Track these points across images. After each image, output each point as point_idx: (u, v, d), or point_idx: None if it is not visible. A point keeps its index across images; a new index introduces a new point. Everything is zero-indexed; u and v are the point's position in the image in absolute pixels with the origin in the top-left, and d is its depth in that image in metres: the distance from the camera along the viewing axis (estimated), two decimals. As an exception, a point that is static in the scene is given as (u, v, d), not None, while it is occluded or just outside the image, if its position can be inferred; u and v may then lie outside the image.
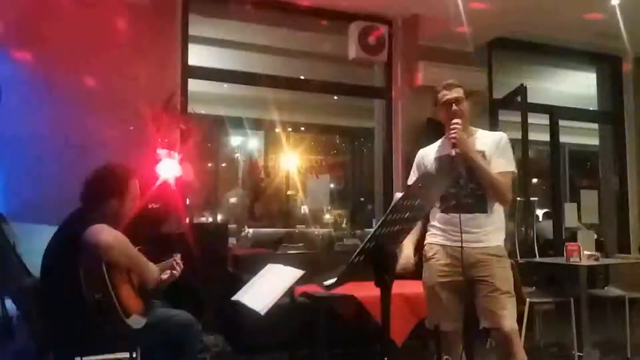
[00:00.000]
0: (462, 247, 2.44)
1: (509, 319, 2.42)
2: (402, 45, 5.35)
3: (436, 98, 2.64)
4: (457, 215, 2.46)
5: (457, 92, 2.57)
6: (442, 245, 2.58)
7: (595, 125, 7.07)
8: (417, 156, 2.81)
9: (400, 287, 3.54)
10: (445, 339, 2.59)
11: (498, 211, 2.56)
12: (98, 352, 2.40)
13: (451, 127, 2.48)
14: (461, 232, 2.42)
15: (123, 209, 2.41)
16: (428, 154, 2.73)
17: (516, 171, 2.58)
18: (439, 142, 2.73)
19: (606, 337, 4.29)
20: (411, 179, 2.75)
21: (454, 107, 2.54)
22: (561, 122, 6.17)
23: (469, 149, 2.46)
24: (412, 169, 2.82)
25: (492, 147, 2.55)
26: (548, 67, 6.81)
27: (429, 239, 2.67)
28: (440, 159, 2.64)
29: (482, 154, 2.52)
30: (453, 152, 2.45)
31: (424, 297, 3.19)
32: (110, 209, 2.36)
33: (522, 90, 5.38)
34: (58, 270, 2.24)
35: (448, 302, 2.55)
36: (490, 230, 2.53)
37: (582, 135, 8.85)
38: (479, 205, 2.52)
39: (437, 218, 2.62)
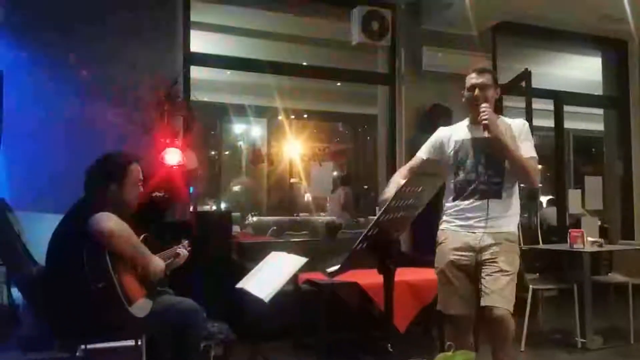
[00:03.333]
0: (484, 232, 2.49)
1: (504, 301, 2.41)
2: (405, 30, 5.30)
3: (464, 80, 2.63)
4: (473, 201, 2.51)
5: (484, 78, 2.56)
6: (454, 231, 2.59)
7: (600, 111, 7.02)
8: (438, 134, 2.72)
9: (403, 274, 3.57)
10: (455, 324, 2.56)
11: (513, 198, 2.58)
12: (103, 340, 2.43)
13: (481, 110, 2.46)
14: (487, 218, 2.48)
15: (123, 194, 2.40)
16: (453, 135, 2.66)
17: (537, 157, 2.58)
18: (463, 125, 2.67)
19: (609, 324, 4.30)
20: (421, 152, 2.73)
21: (477, 92, 2.54)
22: (566, 108, 6.12)
23: (500, 132, 2.45)
24: (427, 145, 2.74)
25: (517, 134, 2.56)
26: (553, 51, 6.74)
27: (441, 225, 2.69)
28: (459, 143, 2.61)
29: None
30: (486, 134, 2.44)
31: (428, 284, 3.23)
32: (110, 194, 2.36)
33: (526, 75, 5.33)
34: (63, 258, 2.25)
35: (459, 285, 2.54)
36: (504, 216, 2.54)
37: (587, 121, 8.80)
38: (495, 191, 2.53)
39: (451, 205, 2.62)
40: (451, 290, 2.55)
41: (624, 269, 4.46)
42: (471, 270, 2.53)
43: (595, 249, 4.08)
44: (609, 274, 4.64)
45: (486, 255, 2.49)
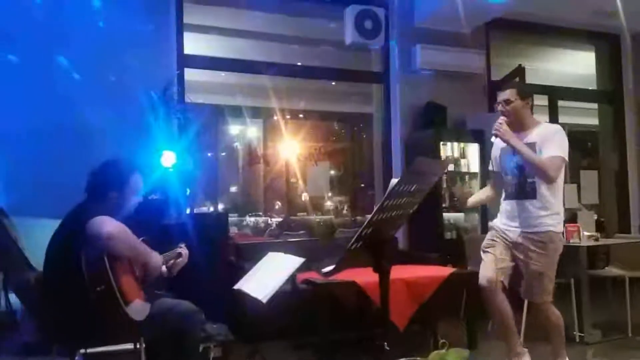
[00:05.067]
0: (520, 231, 2.92)
1: (537, 295, 2.93)
2: (398, 28, 5.31)
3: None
4: (512, 201, 2.96)
5: (505, 95, 2.95)
6: (498, 227, 3.05)
7: (594, 105, 7.04)
8: (494, 144, 3.16)
9: (401, 272, 3.58)
10: (486, 293, 2.93)
11: (551, 199, 2.87)
12: (102, 344, 2.43)
13: (496, 122, 2.91)
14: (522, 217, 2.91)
15: (124, 201, 2.42)
16: (497, 145, 3.12)
17: (565, 155, 2.87)
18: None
19: (607, 317, 4.32)
20: (490, 165, 3.24)
21: (500, 107, 2.96)
22: (560, 103, 6.14)
23: (509, 138, 2.87)
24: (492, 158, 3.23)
25: (544, 138, 2.88)
26: (546, 47, 6.76)
27: (496, 220, 3.12)
28: (502, 151, 3.07)
29: (533, 144, 2.87)
30: (495, 140, 2.99)
31: (425, 281, 3.44)
32: (111, 201, 2.37)
33: (520, 71, 5.36)
34: (61, 262, 2.25)
35: (496, 255, 2.96)
36: (539, 216, 2.87)
37: (581, 116, 8.81)
38: (528, 192, 2.89)
39: (503, 205, 3.06)
40: (487, 258, 2.99)
41: (620, 263, 4.48)
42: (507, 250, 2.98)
43: (592, 243, 4.09)
44: (606, 267, 4.66)
45: (518, 255, 2.93)
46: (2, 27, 3.87)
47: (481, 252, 3.06)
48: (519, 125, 2.94)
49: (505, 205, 3.03)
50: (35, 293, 2.34)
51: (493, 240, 3.02)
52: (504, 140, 2.90)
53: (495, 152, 3.14)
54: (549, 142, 2.86)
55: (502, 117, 2.93)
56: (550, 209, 2.87)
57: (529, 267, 2.89)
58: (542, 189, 2.86)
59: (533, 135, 2.92)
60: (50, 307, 2.26)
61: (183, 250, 2.69)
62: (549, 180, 2.84)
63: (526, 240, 2.89)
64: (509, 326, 2.99)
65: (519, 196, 2.93)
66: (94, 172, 2.42)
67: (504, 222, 3.02)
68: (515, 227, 2.93)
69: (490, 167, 3.24)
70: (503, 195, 3.06)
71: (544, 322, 2.99)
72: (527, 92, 3.03)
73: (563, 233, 3.28)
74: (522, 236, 2.90)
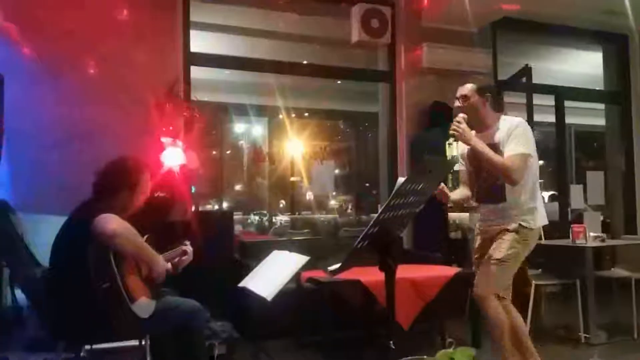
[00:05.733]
0: (479, 234, 2.86)
1: (482, 285, 2.74)
2: (405, 27, 5.30)
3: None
4: (482, 204, 2.86)
5: (463, 90, 2.81)
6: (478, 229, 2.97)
7: (601, 106, 7.00)
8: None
9: (406, 272, 3.57)
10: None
11: (520, 198, 2.73)
12: (107, 340, 2.44)
13: (454, 121, 2.73)
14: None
15: (133, 201, 2.44)
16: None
17: (528, 153, 2.71)
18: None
19: (613, 319, 4.29)
20: (459, 164, 3.04)
21: (457, 103, 2.82)
22: (567, 103, 6.11)
23: (468, 139, 2.70)
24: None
25: (506, 136, 2.74)
26: (553, 47, 6.72)
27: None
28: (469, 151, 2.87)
29: (497, 145, 2.72)
30: (450, 141, 2.71)
31: (430, 281, 3.45)
32: (120, 201, 2.39)
33: (527, 71, 5.32)
34: (67, 259, 2.26)
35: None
36: (511, 215, 2.74)
37: (588, 116, 8.77)
38: (497, 195, 2.76)
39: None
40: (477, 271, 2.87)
41: (627, 264, 4.45)
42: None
43: (598, 244, 4.07)
44: (612, 269, 4.64)
45: (490, 245, 2.78)
46: (11, 26, 3.89)
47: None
48: (480, 123, 2.80)
49: (480, 209, 2.93)
50: (41, 289, 2.35)
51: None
52: (464, 141, 2.72)
53: (462, 149, 2.90)
54: (509, 139, 2.71)
55: (460, 115, 2.75)
56: (522, 207, 2.73)
57: (489, 254, 2.74)
58: (511, 190, 2.72)
59: (496, 134, 2.77)
60: (56, 303, 2.27)
61: (188, 248, 2.69)
62: (513, 183, 2.68)
63: (498, 231, 2.75)
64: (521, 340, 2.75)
65: (487, 199, 2.82)
66: (103, 170, 2.43)
67: (479, 224, 2.93)
68: (490, 225, 2.82)
69: (459, 167, 3.01)
70: (475, 197, 2.92)
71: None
72: (486, 88, 2.88)
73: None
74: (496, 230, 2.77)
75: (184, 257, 2.65)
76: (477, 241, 2.95)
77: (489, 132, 2.79)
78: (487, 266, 2.74)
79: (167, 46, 4.41)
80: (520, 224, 2.72)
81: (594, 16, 5.65)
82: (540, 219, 2.80)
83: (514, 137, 2.70)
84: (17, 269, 2.72)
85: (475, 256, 2.94)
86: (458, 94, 2.84)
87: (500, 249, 2.71)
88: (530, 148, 2.72)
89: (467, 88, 2.82)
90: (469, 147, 2.80)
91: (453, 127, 2.70)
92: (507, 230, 2.72)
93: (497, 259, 2.70)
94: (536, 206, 2.79)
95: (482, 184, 2.83)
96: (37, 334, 2.78)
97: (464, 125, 2.70)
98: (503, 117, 2.85)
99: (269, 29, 6.05)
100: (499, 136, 2.75)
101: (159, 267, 2.37)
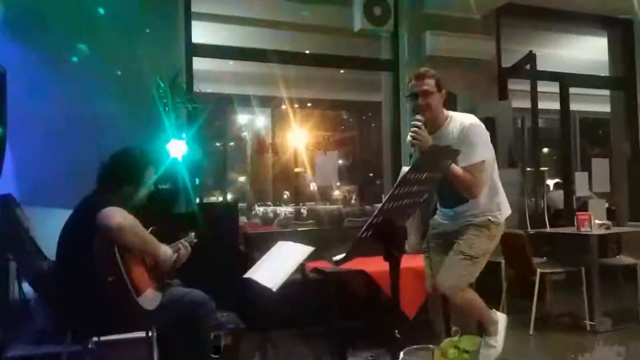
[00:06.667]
0: (446, 231, 2.70)
1: (451, 281, 2.56)
2: (408, 14, 5.25)
3: (406, 87, 2.62)
4: (445, 205, 2.70)
5: (426, 85, 2.49)
6: (436, 222, 2.83)
7: (606, 92, 6.94)
8: None
9: (410, 261, 3.57)
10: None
11: (482, 199, 2.60)
12: (114, 332, 2.45)
13: (411, 125, 2.41)
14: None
15: (138, 192, 2.44)
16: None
17: (484, 158, 2.50)
18: None
19: (618, 306, 4.29)
20: None
21: (420, 100, 2.49)
22: (572, 90, 6.06)
23: (430, 148, 2.37)
24: None
25: (459, 137, 2.50)
26: (558, 33, 6.66)
27: (435, 217, 2.87)
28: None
29: (448, 147, 2.35)
30: (412, 151, 2.46)
31: None
32: (125, 193, 2.39)
33: (531, 57, 5.28)
34: (73, 252, 2.27)
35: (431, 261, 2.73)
36: (476, 213, 2.62)
37: (593, 103, 8.71)
38: (459, 198, 2.58)
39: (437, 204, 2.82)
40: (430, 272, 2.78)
41: (632, 251, 4.45)
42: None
43: (603, 231, 4.06)
44: (617, 256, 4.63)
45: (455, 237, 2.65)
46: (13, 20, 3.88)
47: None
48: (432, 122, 2.51)
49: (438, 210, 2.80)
50: (48, 282, 2.37)
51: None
52: (423, 149, 2.36)
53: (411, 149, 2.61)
54: (464, 146, 2.39)
55: (418, 117, 2.42)
56: (487, 204, 2.62)
57: (455, 247, 2.61)
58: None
59: (448, 135, 2.51)
60: (63, 295, 2.29)
61: (184, 247, 2.67)
62: (475, 197, 2.52)
63: (463, 227, 2.63)
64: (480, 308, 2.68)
65: (447, 205, 2.69)
66: (108, 163, 2.43)
67: (440, 219, 2.79)
68: (449, 223, 2.72)
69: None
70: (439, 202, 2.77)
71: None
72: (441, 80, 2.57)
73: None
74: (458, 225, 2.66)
75: (182, 252, 2.65)
76: (430, 235, 2.80)
77: (440, 132, 2.55)
78: (456, 262, 2.57)
79: (169, 37, 4.39)
80: (489, 219, 2.61)
81: (599, 2, 5.58)
82: (505, 212, 2.69)
83: (469, 141, 2.46)
84: (23, 262, 2.74)
85: (425, 247, 2.80)
86: (416, 89, 2.50)
87: (471, 245, 2.57)
88: (488, 150, 2.54)
89: (429, 82, 2.49)
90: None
91: (412, 134, 2.39)
92: (476, 225, 2.60)
93: (469, 256, 2.56)
94: (500, 200, 2.67)
95: (443, 192, 2.65)
96: (44, 327, 2.80)
97: (424, 132, 2.39)
98: (451, 114, 2.61)
99: (271, 19, 6.02)
100: (451, 137, 2.51)
101: (165, 257, 2.38)
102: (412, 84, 2.54)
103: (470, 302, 2.62)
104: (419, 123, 2.41)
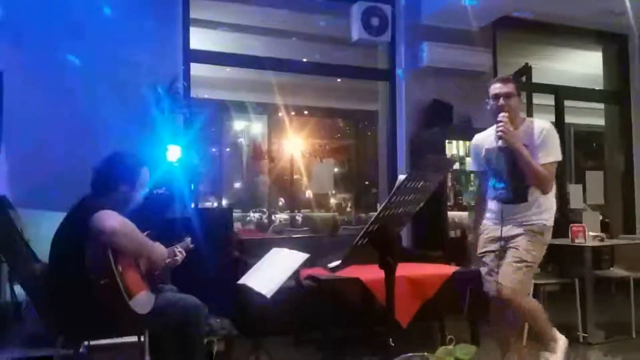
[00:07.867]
0: (501, 236, 2.73)
1: (513, 287, 2.65)
2: (405, 25, 5.29)
3: (489, 89, 2.80)
4: (500, 204, 2.75)
5: (509, 87, 2.72)
6: (490, 226, 2.88)
7: (601, 105, 7.00)
8: (473, 142, 2.99)
9: (405, 270, 3.57)
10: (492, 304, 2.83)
11: (542, 199, 2.74)
12: (106, 336, 2.43)
13: (498, 120, 2.65)
14: (502, 224, 2.71)
15: (132, 195, 2.43)
16: (482, 143, 2.89)
17: (559, 159, 2.75)
18: (491, 131, 2.81)
19: (611, 318, 4.30)
20: (472, 166, 3.06)
21: (501, 101, 2.70)
22: (567, 103, 6.11)
23: (514, 142, 2.63)
24: (471, 157, 3.05)
25: (537, 139, 2.72)
26: (553, 46, 6.72)
27: (484, 221, 2.94)
28: (488, 151, 2.81)
29: (526, 148, 2.65)
30: (500, 143, 2.64)
31: (429, 279, 3.44)
32: (119, 196, 2.38)
33: (526, 70, 5.34)
34: (66, 255, 2.26)
35: (492, 266, 2.80)
36: (532, 214, 2.73)
37: (587, 116, 8.78)
38: (520, 196, 2.72)
39: (489, 205, 2.89)
40: (485, 270, 2.86)
41: (625, 264, 4.46)
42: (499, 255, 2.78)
43: (597, 243, 4.08)
44: (611, 268, 4.64)
45: (511, 242, 2.74)
46: (10, 22, 3.88)
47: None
48: (510, 122, 2.69)
49: (493, 206, 2.84)
50: (40, 285, 2.35)
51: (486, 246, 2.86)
52: (509, 143, 2.62)
53: (477, 150, 2.89)
54: (543, 146, 2.69)
55: (503, 115, 2.65)
56: (542, 206, 2.74)
57: (514, 254, 2.71)
58: (535, 193, 2.72)
59: (522, 136, 2.72)
60: (55, 299, 2.27)
61: (180, 253, 2.67)
62: (546, 191, 2.71)
63: (519, 231, 2.73)
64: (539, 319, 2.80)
65: (509, 200, 2.73)
66: (102, 165, 2.42)
67: (493, 222, 2.84)
68: (506, 224, 2.76)
69: (473, 167, 3.03)
70: (492, 195, 2.84)
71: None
72: (520, 84, 2.92)
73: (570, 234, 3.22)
74: (514, 229, 2.74)
75: (176, 257, 2.65)
76: (484, 239, 2.88)
77: (517, 133, 2.71)
78: (515, 269, 2.67)
79: (167, 43, 4.41)
80: (544, 224, 2.73)
81: (594, 16, 5.64)
82: (553, 216, 2.83)
83: (546, 142, 2.70)
84: (16, 264, 2.72)
85: (481, 252, 2.89)
86: (499, 91, 2.71)
87: (528, 250, 2.68)
88: (560, 153, 2.75)
89: (511, 86, 2.72)
90: (490, 148, 2.75)
91: (500, 127, 2.62)
92: (532, 231, 2.70)
93: (526, 261, 2.67)
94: (553, 205, 2.82)
95: (506, 186, 2.73)
96: (36, 330, 2.78)
97: (510, 126, 2.63)
98: (529, 118, 2.85)
99: (269, 27, 6.05)
100: (528, 139, 2.70)
101: (158, 256, 2.38)
102: (495, 87, 2.75)
103: (534, 312, 2.76)
104: (505, 119, 2.64)
